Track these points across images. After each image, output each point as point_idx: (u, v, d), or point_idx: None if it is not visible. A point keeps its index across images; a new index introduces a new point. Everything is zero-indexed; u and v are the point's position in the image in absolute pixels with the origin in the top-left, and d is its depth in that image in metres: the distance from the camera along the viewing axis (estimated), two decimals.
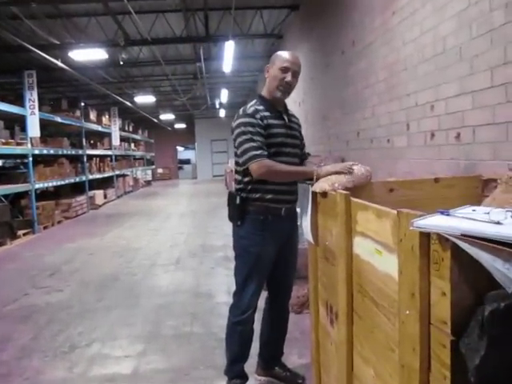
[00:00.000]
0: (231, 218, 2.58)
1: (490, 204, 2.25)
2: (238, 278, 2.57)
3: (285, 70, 2.40)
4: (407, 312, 1.22)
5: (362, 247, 1.65)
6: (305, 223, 2.44)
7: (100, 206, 13.70)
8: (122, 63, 9.58)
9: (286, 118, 2.53)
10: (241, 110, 2.49)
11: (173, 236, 8.10)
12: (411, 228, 1.09)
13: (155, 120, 22.96)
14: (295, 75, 2.45)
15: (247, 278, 2.51)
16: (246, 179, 2.42)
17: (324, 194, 2.15)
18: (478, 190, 2.52)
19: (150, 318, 4.05)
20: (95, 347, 3.46)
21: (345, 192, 1.83)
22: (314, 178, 2.26)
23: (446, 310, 1.07)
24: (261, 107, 2.46)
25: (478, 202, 2.42)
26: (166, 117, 23.18)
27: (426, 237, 1.12)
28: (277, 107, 2.52)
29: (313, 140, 7.74)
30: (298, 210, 2.62)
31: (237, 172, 2.50)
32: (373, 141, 4.91)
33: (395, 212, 1.30)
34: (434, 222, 1.06)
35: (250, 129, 2.37)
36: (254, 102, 2.53)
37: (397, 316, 1.35)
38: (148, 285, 5.09)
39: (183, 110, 22.78)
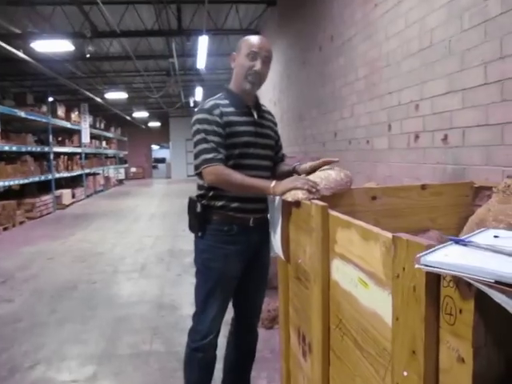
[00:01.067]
0: (191, 227, 2.23)
1: (484, 215, 1.99)
2: (198, 298, 2.22)
3: (253, 56, 2.07)
4: (405, 374, 0.90)
5: (342, 273, 1.33)
6: (275, 236, 2.11)
7: (67, 205, 13.09)
8: (88, 56, 9.07)
9: (255, 114, 2.19)
10: (200, 105, 2.15)
11: (140, 239, 7.68)
12: (417, 266, 0.77)
13: (128, 118, 22.35)
14: (266, 62, 2.11)
15: (208, 297, 2.16)
16: (208, 184, 2.08)
17: (297, 203, 1.83)
18: (468, 198, 2.26)
19: (105, 333, 3.66)
20: (39, 370, 3.05)
21: (321, 203, 1.50)
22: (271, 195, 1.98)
23: (464, 382, 0.75)
24: (224, 101, 2.12)
25: (470, 212, 2.16)
26: (140, 114, 22.61)
27: (434, 275, 0.80)
28: (245, 102, 2.17)
29: (288, 141, 7.43)
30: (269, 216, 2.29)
31: (197, 175, 2.15)
32: (351, 142, 4.63)
33: (389, 236, 0.98)
34: (450, 258, 0.74)
35: (206, 127, 2.03)
36: (217, 95, 2.19)
37: (388, 370, 1.03)
38: (108, 294, 4.68)
39: (157, 108, 22.25)
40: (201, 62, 10.59)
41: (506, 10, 2.26)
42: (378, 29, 3.79)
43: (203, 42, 8.81)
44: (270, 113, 2.38)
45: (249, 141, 2.11)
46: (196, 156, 2.05)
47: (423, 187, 2.20)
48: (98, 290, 4.86)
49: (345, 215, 1.34)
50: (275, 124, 2.37)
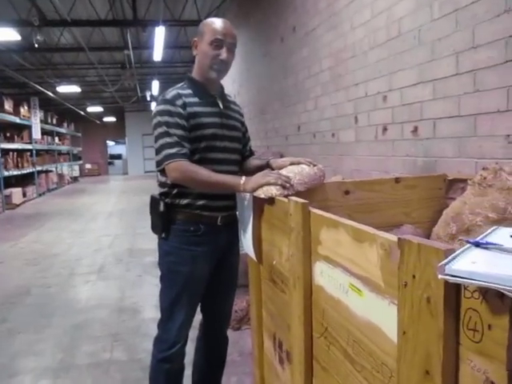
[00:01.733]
0: (154, 228, 2.06)
1: (460, 209, 1.92)
2: (163, 305, 2.04)
3: (217, 44, 1.90)
4: None
5: (327, 278, 1.20)
6: (245, 235, 1.97)
7: (18, 205, 12.44)
8: (37, 46, 8.54)
9: (221, 104, 2.04)
10: (161, 95, 1.98)
11: (98, 239, 7.35)
12: (441, 277, 0.65)
13: (82, 112, 21.56)
14: (231, 49, 1.95)
15: (174, 304, 1.99)
16: (171, 181, 1.91)
17: (270, 200, 1.70)
18: (441, 191, 2.21)
19: (62, 342, 3.41)
20: None
21: (301, 200, 1.38)
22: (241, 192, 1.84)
23: None
24: (187, 91, 1.95)
25: (443, 205, 2.10)
26: (94, 109, 21.88)
27: (453, 285, 0.68)
28: (210, 91, 2.02)
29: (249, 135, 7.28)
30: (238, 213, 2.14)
31: (159, 172, 1.98)
32: (315, 135, 4.54)
33: (392, 239, 0.85)
34: (480, 266, 0.62)
35: (168, 119, 1.86)
36: (180, 85, 2.02)
37: None
38: (64, 299, 4.40)
39: (112, 103, 21.56)
40: (157, 54, 10.27)
41: None
42: (342, 19, 3.70)
43: (160, 34, 8.52)
44: (235, 103, 2.23)
45: (215, 133, 1.96)
46: (158, 151, 1.88)
47: (397, 180, 2.14)
48: (54, 294, 4.57)
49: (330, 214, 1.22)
50: (242, 115, 2.23)
